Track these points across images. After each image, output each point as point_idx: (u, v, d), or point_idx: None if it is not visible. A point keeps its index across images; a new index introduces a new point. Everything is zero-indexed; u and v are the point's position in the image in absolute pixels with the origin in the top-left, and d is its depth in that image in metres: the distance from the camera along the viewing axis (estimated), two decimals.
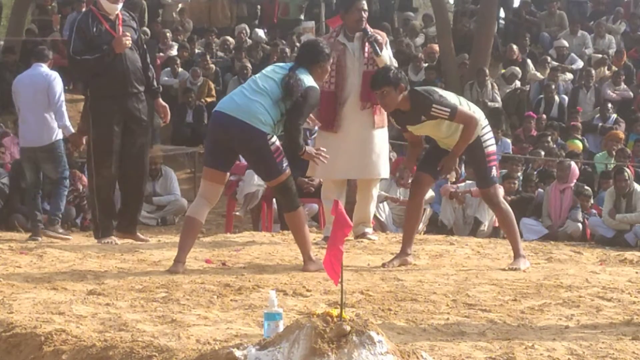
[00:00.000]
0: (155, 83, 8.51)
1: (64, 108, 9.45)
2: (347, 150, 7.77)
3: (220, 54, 18.64)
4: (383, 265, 6.94)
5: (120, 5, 8.26)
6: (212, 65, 17.55)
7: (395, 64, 8.08)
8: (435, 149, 7.14)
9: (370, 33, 7.96)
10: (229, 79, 17.19)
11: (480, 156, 7.01)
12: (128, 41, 8.13)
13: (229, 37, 19.14)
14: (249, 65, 17.12)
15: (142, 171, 8.43)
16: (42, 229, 9.44)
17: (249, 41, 19.03)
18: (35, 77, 9.56)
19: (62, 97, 9.41)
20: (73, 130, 9.44)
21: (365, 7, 8.12)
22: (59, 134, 9.52)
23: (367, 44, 7.95)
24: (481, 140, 6.98)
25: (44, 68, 9.66)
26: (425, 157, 7.27)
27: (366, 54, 7.95)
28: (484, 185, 7.09)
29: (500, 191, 7.25)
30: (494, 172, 7.07)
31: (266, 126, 6.49)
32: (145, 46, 8.56)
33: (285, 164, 6.57)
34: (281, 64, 6.92)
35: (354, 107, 7.83)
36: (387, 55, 7.98)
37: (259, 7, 21.29)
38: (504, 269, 6.89)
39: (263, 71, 6.80)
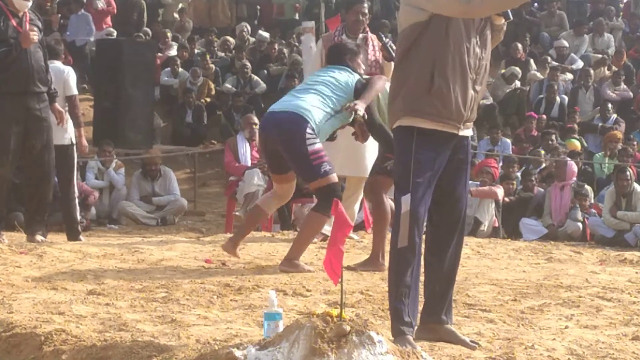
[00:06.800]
0: (52, 87, 8.32)
1: None
2: (340, 147, 7.74)
3: (220, 54, 18.63)
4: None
5: (30, 3, 8.16)
6: (212, 65, 17.53)
7: None
8: None
9: (385, 39, 8.01)
10: (228, 79, 17.19)
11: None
12: (35, 37, 8.03)
13: (229, 37, 19.14)
14: (248, 64, 17.12)
15: (42, 173, 8.19)
16: None
17: (251, 40, 19.01)
18: None
19: None
20: None
21: (366, 10, 8.15)
22: None
23: (369, 46, 7.99)
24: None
25: None
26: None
27: (370, 56, 7.97)
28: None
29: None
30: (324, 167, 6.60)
31: (309, 116, 6.53)
32: (45, 49, 8.36)
33: (325, 168, 6.53)
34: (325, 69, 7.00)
35: None
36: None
37: (258, 7, 21.31)
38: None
39: (309, 79, 6.97)
